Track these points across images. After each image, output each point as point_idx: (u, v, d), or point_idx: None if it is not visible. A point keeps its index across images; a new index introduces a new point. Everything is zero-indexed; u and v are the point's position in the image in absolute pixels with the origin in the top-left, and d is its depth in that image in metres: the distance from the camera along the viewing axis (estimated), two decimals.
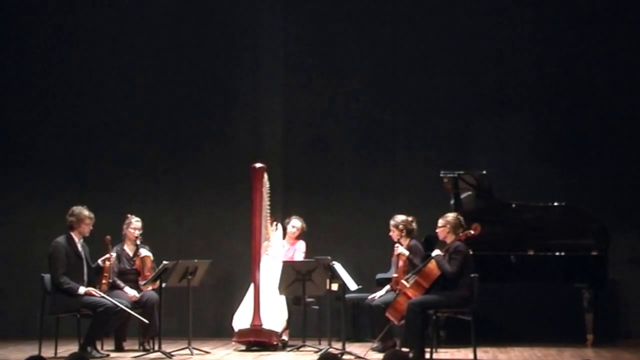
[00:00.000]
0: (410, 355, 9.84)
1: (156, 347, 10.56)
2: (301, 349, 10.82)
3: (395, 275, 10.87)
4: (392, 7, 13.16)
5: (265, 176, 11.20)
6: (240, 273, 12.14)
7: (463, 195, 11.92)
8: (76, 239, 10.62)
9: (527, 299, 12.43)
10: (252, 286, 11.11)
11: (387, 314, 10.34)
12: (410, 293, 10.20)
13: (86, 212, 10.65)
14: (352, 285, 10.74)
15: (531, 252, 11.59)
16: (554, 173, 12.70)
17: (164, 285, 10.73)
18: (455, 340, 11.33)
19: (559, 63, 12.89)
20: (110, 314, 10.42)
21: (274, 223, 11.51)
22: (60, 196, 12.70)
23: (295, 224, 11.75)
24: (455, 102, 12.99)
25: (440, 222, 10.35)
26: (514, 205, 11.85)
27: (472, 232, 10.27)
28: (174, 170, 13.22)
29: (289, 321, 11.30)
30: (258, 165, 11.23)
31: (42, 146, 13.30)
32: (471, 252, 10.35)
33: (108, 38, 13.35)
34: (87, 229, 10.65)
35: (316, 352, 10.42)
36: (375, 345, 10.94)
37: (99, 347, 10.69)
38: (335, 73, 13.19)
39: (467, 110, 12.99)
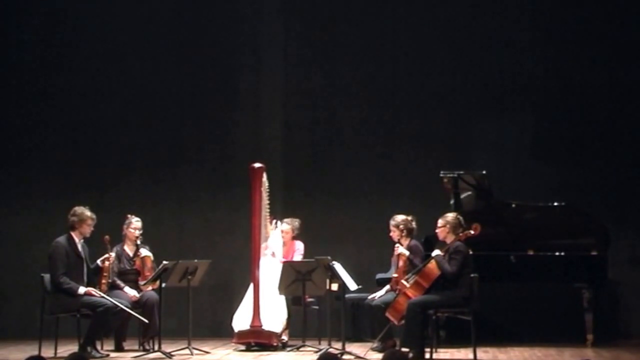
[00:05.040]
0: (410, 355, 9.85)
1: (156, 347, 10.55)
2: (301, 349, 10.81)
3: (395, 275, 10.86)
4: (392, 7, 13.16)
5: (265, 176, 11.20)
6: (240, 273, 12.14)
7: (463, 195, 11.92)
8: (76, 239, 10.62)
9: (527, 299, 12.43)
10: (251, 286, 11.11)
11: (387, 314, 10.34)
12: (410, 293, 10.20)
13: (88, 213, 10.65)
14: (352, 285, 10.74)
15: (531, 252, 11.58)
16: (554, 173, 12.70)
17: (163, 285, 10.73)
18: (455, 340, 11.34)
19: (559, 63, 12.89)
20: (110, 314, 10.42)
21: (274, 221, 11.50)
22: (60, 196, 12.73)
23: (284, 227, 11.70)
24: (455, 102, 12.99)
25: (440, 222, 10.35)
26: (514, 205, 11.85)
27: (472, 232, 10.27)
28: (174, 170, 13.23)
29: (288, 321, 11.29)
30: (257, 165, 11.23)
31: (42, 146, 13.31)
32: (471, 252, 10.35)
33: (109, 38, 13.35)
34: (88, 229, 10.65)
35: (316, 352, 10.42)
36: (375, 345, 10.93)
37: (99, 347, 10.69)
38: (335, 73, 13.19)
39: (467, 110, 12.99)
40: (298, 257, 11.65)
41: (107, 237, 10.77)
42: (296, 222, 11.79)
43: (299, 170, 13.10)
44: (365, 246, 12.67)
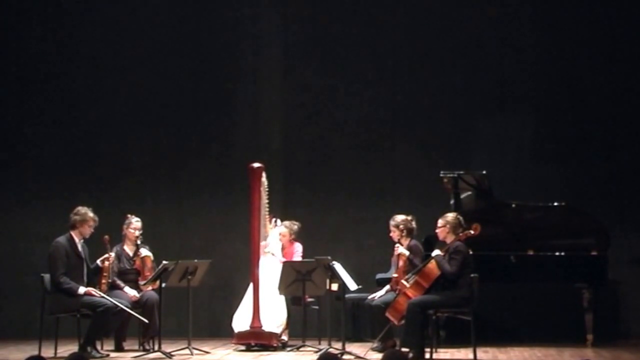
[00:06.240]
0: (410, 355, 9.85)
1: (156, 347, 10.55)
2: (301, 349, 10.81)
3: (395, 275, 10.86)
4: (392, 7, 13.16)
5: (264, 176, 11.19)
6: (239, 273, 12.14)
7: (463, 195, 11.92)
8: (76, 239, 10.61)
9: (527, 299, 12.43)
10: (251, 286, 11.11)
11: (387, 314, 10.33)
12: (410, 293, 10.20)
13: (91, 214, 10.65)
14: (352, 285, 10.73)
15: (531, 252, 11.58)
16: (553, 173, 12.70)
17: (163, 285, 10.73)
18: (455, 340, 11.33)
19: (559, 63, 12.89)
20: (110, 314, 10.42)
21: (273, 220, 11.50)
22: (60, 196, 12.74)
23: (281, 230, 11.70)
24: (455, 102, 12.99)
25: (440, 222, 10.35)
26: (514, 205, 11.85)
27: (472, 232, 10.27)
28: (174, 170, 13.22)
29: (288, 321, 11.29)
30: (256, 165, 11.22)
31: (42, 146, 13.30)
32: (471, 252, 10.35)
33: (108, 38, 13.35)
34: (88, 230, 10.65)
35: (316, 352, 10.42)
36: (375, 345, 10.93)
37: (98, 347, 10.69)
38: (335, 73, 13.19)
39: (467, 110, 12.99)
40: (297, 258, 11.64)
41: (106, 237, 10.77)
42: (295, 226, 11.77)
43: (298, 170, 13.10)
44: (365, 246, 12.67)
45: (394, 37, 13.13)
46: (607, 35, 12.80)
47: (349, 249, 12.47)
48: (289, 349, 10.94)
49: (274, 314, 11.08)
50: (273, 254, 11.40)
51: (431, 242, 11.18)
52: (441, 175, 11.82)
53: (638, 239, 12.57)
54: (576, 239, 11.68)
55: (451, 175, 11.82)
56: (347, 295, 11.24)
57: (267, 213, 11.34)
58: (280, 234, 11.61)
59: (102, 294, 10.49)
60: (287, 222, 11.72)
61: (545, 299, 12.32)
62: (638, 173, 12.63)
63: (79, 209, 10.68)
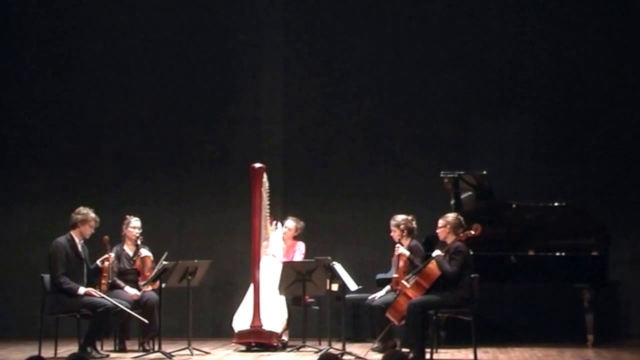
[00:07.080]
0: (411, 355, 9.85)
1: (156, 347, 10.55)
2: (301, 349, 10.81)
3: (395, 275, 10.85)
4: (392, 7, 13.16)
5: (265, 176, 11.19)
6: (240, 273, 12.13)
7: (463, 196, 11.91)
8: (77, 240, 10.61)
9: (527, 299, 12.44)
10: (251, 286, 11.10)
11: (388, 315, 10.33)
12: (410, 293, 10.19)
13: (92, 215, 10.65)
14: (352, 285, 10.73)
15: (531, 252, 11.58)
16: (554, 173, 12.70)
17: (163, 285, 10.72)
18: (456, 340, 11.33)
19: (559, 63, 12.89)
20: (110, 315, 10.42)
21: (274, 222, 11.50)
22: (60, 196, 12.74)
23: (289, 224, 11.72)
24: (456, 102, 12.99)
25: (441, 222, 10.34)
26: (514, 206, 11.85)
27: (473, 232, 10.26)
28: (174, 170, 13.22)
29: (288, 321, 11.29)
30: (257, 165, 11.22)
31: (43, 146, 13.30)
32: (472, 253, 10.34)
33: (108, 38, 13.36)
34: (89, 230, 10.64)
35: (316, 352, 10.42)
36: (375, 345, 10.91)
37: (98, 348, 10.68)
38: (335, 73, 13.19)
39: (467, 110, 12.99)
40: (299, 257, 11.64)
41: (106, 237, 10.77)
42: (301, 223, 11.80)
43: (299, 170, 13.09)
44: (365, 246, 12.66)
45: (394, 37, 13.13)
46: (608, 35, 12.80)
47: (349, 249, 12.46)
48: (289, 349, 10.94)
49: (275, 314, 11.07)
50: (274, 256, 11.40)
51: (431, 242, 11.17)
52: (441, 175, 11.82)
53: (638, 239, 12.58)
54: (576, 239, 11.68)
55: (451, 175, 11.82)
56: (347, 296, 11.25)
57: (267, 214, 11.34)
58: (287, 227, 11.63)
59: (102, 294, 10.49)
60: (294, 218, 11.77)
61: (546, 300, 12.33)
62: (638, 173, 12.63)
63: (81, 208, 10.69)
